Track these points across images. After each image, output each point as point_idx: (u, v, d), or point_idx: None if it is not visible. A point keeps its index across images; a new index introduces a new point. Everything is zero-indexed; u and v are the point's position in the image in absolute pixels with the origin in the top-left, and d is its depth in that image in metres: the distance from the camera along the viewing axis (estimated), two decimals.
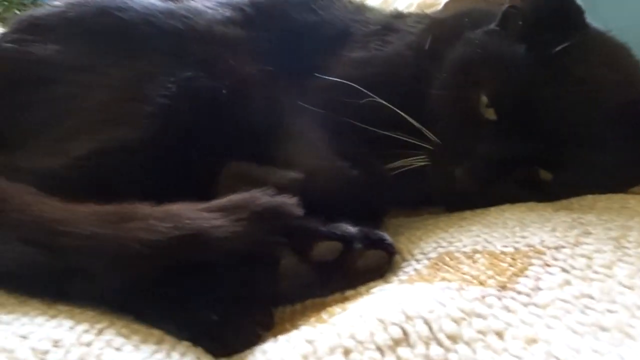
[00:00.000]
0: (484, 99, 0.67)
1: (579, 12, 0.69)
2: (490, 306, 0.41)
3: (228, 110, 0.70)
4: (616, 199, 0.60)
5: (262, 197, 0.53)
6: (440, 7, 1.51)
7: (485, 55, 0.69)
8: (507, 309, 0.40)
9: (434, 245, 0.56)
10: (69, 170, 0.60)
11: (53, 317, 0.42)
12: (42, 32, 0.75)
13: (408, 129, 0.71)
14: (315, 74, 0.76)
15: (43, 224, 0.48)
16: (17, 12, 1.77)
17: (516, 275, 0.45)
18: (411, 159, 0.71)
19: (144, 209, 0.51)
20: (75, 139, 0.64)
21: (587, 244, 0.48)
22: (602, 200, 0.61)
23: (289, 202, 0.54)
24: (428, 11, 1.53)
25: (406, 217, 0.75)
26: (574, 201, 0.62)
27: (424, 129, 0.71)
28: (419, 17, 0.89)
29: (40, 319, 0.41)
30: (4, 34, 0.78)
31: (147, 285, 0.48)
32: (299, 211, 0.54)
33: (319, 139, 0.71)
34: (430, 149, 0.70)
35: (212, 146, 0.68)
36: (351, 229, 0.55)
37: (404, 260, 0.56)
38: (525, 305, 0.40)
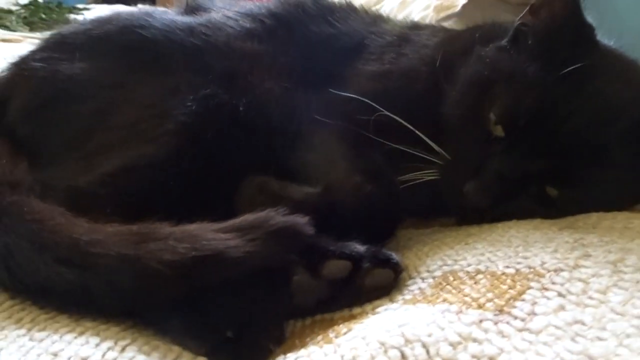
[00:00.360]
0: (492, 115, 0.69)
1: (589, 29, 0.70)
2: (486, 331, 0.43)
3: (246, 126, 0.73)
4: (620, 218, 0.62)
5: (275, 216, 0.56)
6: (457, 9, 1.52)
7: (494, 72, 0.71)
8: (501, 334, 0.43)
9: (440, 263, 0.59)
10: (95, 187, 0.63)
11: (81, 334, 0.46)
12: (70, 50, 0.79)
13: (420, 143, 0.73)
14: (331, 90, 0.79)
15: (75, 246, 0.52)
16: (43, 16, 1.83)
17: (514, 298, 0.47)
18: (422, 172, 0.73)
19: (164, 229, 0.54)
20: (102, 155, 0.68)
21: (585, 267, 0.50)
22: (607, 219, 0.62)
23: (301, 221, 0.57)
24: (445, 13, 1.54)
25: (416, 229, 0.78)
26: (580, 219, 0.64)
27: (434, 145, 0.73)
28: (434, 30, 0.91)
29: (69, 336, 0.45)
30: (33, 52, 0.82)
31: (168, 302, 0.51)
32: (311, 230, 0.57)
33: (335, 154, 0.74)
34: (441, 164, 0.72)
35: (232, 161, 0.71)
36: (360, 247, 0.57)
37: (410, 277, 0.58)
38: (519, 330, 0.43)
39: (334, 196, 0.66)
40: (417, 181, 0.73)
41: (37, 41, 1.41)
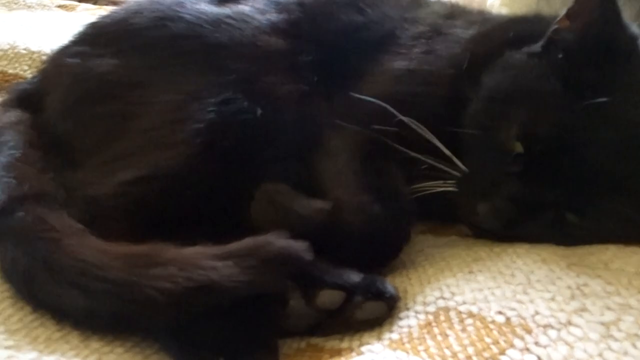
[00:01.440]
0: (513, 131, 0.65)
1: (630, 42, 0.64)
2: None
3: (263, 131, 0.74)
4: (635, 259, 0.58)
5: (274, 241, 0.58)
6: None
7: (519, 85, 0.67)
8: None
9: (437, 294, 0.58)
10: (111, 198, 0.66)
11: (84, 358, 0.51)
12: (102, 45, 0.81)
13: (439, 153, 0.72)
14: (351, 92, 0.77)
15: (84, 269, 0.55)
16: None
17: (492, 358, 0.47)
18: (438, 182, 0.71)
19: (167, 253, 0.57)
20: (124, 161, 0.70)
21: (576, 326, 0.49)
22: (621, 257, 0.59)
23: (300, 247, 0.58)
24: None
25: (433, 236, 0.77)
26: (594, 252, 0.61)
27: (453, 157, 0.71)
28: (470, 20, 0.85)
29: None
30: (68, 45, 0.85)
31: (166, 327, 0.55)
32: (310, 256, 0.58)
33: (345, 165, 0.73)
34: (458, 176, 0.70)
35: (248, 167, 0.72)
36: (355, 277, 0.58)
37: (406, 307, 0.58)
38: None
39: (340, 216, 0.66)
40: (432, 191, 0.72)
41: (91, 7, 1.44)
